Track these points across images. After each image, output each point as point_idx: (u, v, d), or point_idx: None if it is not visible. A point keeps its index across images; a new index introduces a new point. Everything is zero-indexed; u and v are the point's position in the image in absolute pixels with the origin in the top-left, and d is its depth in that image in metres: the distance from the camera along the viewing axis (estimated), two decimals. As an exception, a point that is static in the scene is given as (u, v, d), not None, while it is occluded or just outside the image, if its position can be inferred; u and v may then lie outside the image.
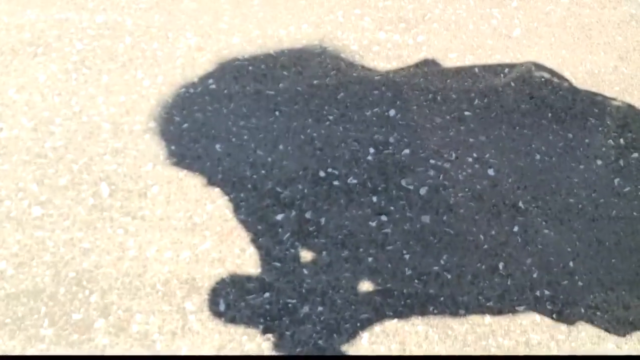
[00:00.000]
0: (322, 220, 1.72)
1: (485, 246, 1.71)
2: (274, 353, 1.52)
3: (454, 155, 1.86)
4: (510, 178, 1.83)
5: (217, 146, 1.84)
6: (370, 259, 1.67)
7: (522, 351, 1.56)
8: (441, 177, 1.81)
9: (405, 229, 1.72)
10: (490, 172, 1.84)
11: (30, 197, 1.72)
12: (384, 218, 1.74)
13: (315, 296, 1.60)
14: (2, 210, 1.69)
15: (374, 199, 1.77)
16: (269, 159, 1.82)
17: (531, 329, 1.59)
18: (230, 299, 1.59)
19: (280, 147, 1.85)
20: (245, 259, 1.65)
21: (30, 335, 1.51)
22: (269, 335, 1.54)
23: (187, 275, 1.62)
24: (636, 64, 2.13)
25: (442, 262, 1.68)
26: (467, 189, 1.80)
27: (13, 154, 1.78)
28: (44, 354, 1.48)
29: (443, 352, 1.55)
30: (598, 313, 1.63)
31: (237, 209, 1.73)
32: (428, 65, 2.07)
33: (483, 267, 1.67)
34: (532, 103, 1.99)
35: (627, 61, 2.14)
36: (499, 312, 1.61)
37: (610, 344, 1.58)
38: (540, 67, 2.09)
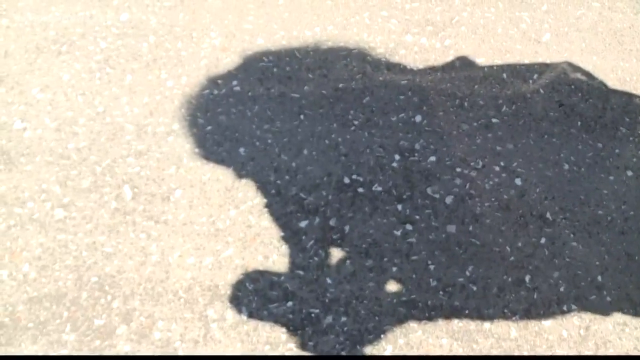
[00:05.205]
0: (347, 228, 1.70)
1: (512, 258, 1.68)
2: (296, 364, 1.51)
3: (480, 163, 1.83)
4: (538, 188, 1.79)
5: (241, 150, 1.82)
6: (394, 269, 1.65)
7: (548, 368, 1.53)
8: (467, 186, 1.78)
9: (430, 239, 1.70)
10: (518, 181, 1.80)
11: (53, 199, 1.71)
12: (409, 227, 1.71)
13: (338, 306, 1.59)
14: (26, 212, 1.68)
15: (399, 207, 1.74)
16: (293, 164, 1.80)
17: (558, 344, 1.56)
18: (253, 307, 1.57)
19: (305, 152, 1.82)
20: (268, 267, 1.63)
21: (53, 341, 1.50)
22: (292, 346, 1.53)
23: (209, 282, 1.60)
24: (669, 72, 2.08)
25: (467, 273, 1.65)
26: (493, 199, 1.77)
27: (36, 155, 1.78)
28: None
29: (468, 367, 1.53)
30: (627, 330, 1.59)
31: (260, 215, 1.71)
32: (455, 70, 2.03)
33: (509, 279, 1.65)
34: (561, 111, 1.95)
35: (659, 68, 2.09)
36: (524, 326, 1.58)
37: (639, 361, 1.56)
38: (570, 73, 2.05)
